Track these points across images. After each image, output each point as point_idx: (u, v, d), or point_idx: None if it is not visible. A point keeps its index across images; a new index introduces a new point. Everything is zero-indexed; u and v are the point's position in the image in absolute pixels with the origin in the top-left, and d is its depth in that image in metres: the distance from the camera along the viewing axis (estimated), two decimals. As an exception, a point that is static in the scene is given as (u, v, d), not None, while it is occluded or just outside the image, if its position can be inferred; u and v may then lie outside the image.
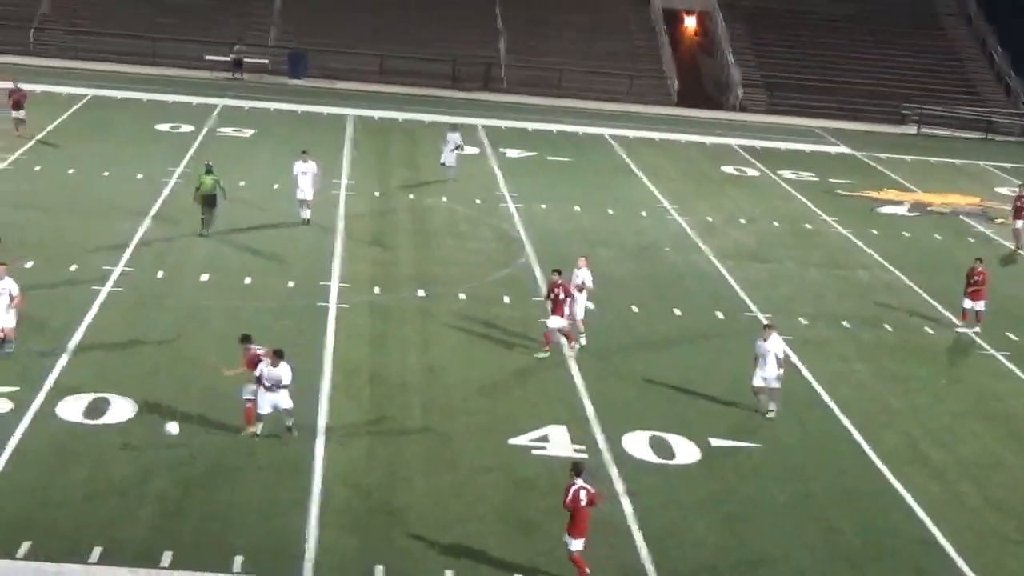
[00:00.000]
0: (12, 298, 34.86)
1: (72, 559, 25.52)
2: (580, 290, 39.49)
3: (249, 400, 31.35)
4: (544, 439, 32.70)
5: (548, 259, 45.62)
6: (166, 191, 53.22)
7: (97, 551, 25.85)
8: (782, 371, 34.76)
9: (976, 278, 43.96)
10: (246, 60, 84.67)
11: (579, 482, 26.01)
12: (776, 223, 57.46)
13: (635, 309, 43.62)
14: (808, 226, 57.48)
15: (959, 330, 44.18)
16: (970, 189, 68.79)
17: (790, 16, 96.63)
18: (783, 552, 28.30)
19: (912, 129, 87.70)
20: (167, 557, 25.86)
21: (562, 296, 38.07)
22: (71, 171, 55.76)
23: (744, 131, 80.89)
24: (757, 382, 34.82)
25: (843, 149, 78.21)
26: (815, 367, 39.45)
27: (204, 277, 42.97)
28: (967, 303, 44.09)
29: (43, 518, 27.00)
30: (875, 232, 57.00)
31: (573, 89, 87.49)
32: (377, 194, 56.38)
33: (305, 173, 49.63)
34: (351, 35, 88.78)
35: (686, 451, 32.74)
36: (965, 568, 28.28)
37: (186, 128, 66.53)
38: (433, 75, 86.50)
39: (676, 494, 30.50)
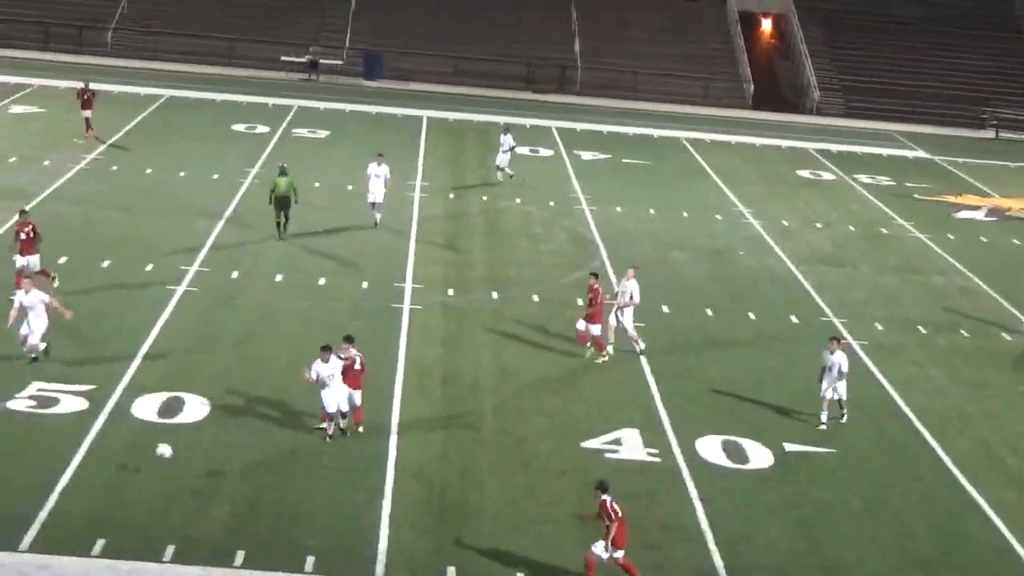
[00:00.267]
0: (46, 307, 34.47)
1: (146, 557, 25.65)
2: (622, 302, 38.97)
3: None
4: (617, 442, 32.60)
5: (622, 262, 45.49)
6: (241, 192, 53.48)
7: (170, 549, 25.98)
8: (843, 384, 34.38)
9: None
10: (321, 61, 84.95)
11: (609, 497, 25.82)
12: (852, 227, 57.04)
13: (709, 312, 43.42)
14: (884, 231, 57.03)
15: (1037, 336, 43.75)
16: (1049, 194, 68.07)
17: (867, 19, 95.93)
18: (857, 557, 28.08)
19: (990, 133, 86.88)
20: (240, 556, 25.95)
21: (597, 301, 37.83)
22: (148, 171, 56.15)
23: (820, 135, 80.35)
24: (828, 393, 34.50)
25: (920, 153, 77.56)
26: (890, 372, 39.14)
27: (278, 278, 43.14)
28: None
29: (117, 516, 27.16)
30: (952, 237, 56.49)
31: (648, 92, 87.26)
32: (451, 196, 56.43)
33: (377, 176, 49.68)
34: (426, 37, 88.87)
35: (759, 456, 32.55)
36: (1042, 577, 28.02)
37: (262, 129, 66.84)
38: (508, 77, 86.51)
39: (749, 499, 30.32)
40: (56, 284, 38.77)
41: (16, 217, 40.90)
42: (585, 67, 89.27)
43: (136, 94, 73.51)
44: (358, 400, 31.76)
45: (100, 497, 27.90)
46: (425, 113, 74.76)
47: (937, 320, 44.73)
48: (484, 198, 56.33)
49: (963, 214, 61.40)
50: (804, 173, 68.46)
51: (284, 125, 68.46)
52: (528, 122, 74.30)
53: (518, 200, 56.30)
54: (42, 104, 67.12)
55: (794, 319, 43.47)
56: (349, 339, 32.13)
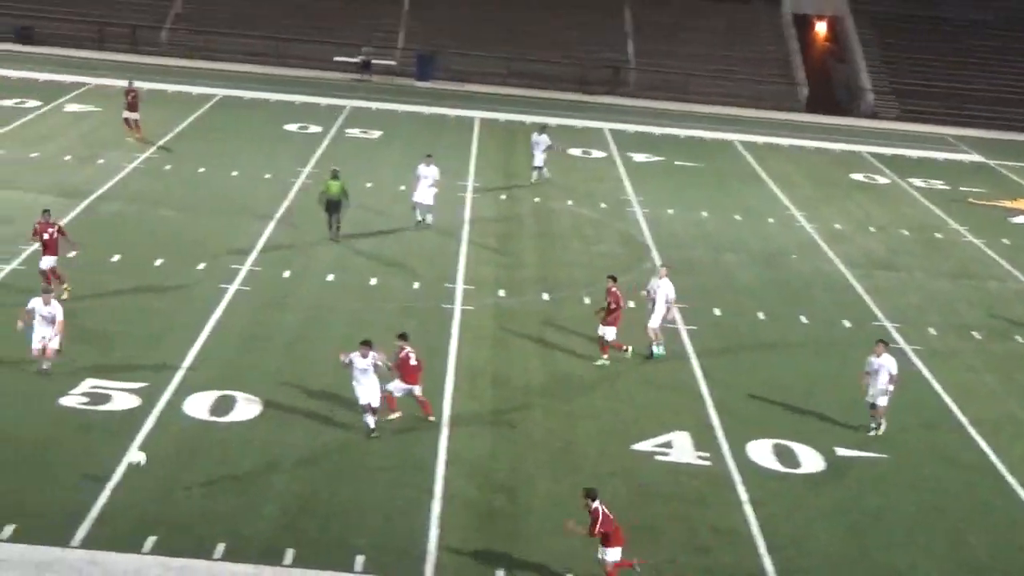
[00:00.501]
0: (55, 323, 33.63)
1: (196, 555, 25.78)
2: (651, 302, 38.85)
3: (390, 393, 32.06)
4: (667, 445, 32.52)
5: (673, 264, 45.31)
6: (294, 191, 53.62)
7: (221, 547, 26.09)
8: (891, 388, 34.10)
9: None
10: (375, 62, 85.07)
11: (598, 505, 25.62)
12: (905, 231, 56.70)
13: (761, 316, 43.24)
14: (938, 235, 56.66)
15: (1093, 343, 43.37)
16: (1106, 199, 67.50)
17: (922, 22, 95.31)
18: (909, 563, 27.91)
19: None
20: (289, 555, 26.04)
21: (613, 306, 37.67)
22: (201, 170, 56.37)
23: (874, 138, 79.90)
24: (878, 399, 34.26)
25: (975, 157, 77.01)
26: (944, 378, 38.89)
27: (329, 277, 43.23)
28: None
29: (169, 513, 27.28)
30: (1007, 242, 56.06)
31: (701, 94, 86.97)
32: (503, 197, 56.41)
33: (425, 177, 49.71)
34: (479, 37, 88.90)
35: (811, 460, 32.40)
36: (1097, 586, 27.77)
37: (314, 129, 67.00)
38: (560, 78, 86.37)
39: (800, 503, 30.20)
40: (65, 296, 38.39)
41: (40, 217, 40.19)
42: (638, 69, 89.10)
43: (189, 93, 73.83)
44: (418, 392, 32.37)
45: (151, 494, 28.02)
46: (477, 114, 74.77)
47: (992, 326, 44.43)
48: (536, 199, 56.29)
49: (1019, 219, 60.93)
50: (858, 176, 68.08)
51: (337, 125, 68.60)
52: (580, 123, 74.25)
53: (570, 202, 56.24)
54: (97, 103, 67.44)
55: (847, 324, 43.23)
56: (403, 336, 32.53)
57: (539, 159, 58.74)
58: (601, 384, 36.21)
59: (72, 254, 40.18)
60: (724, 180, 64.18)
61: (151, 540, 26.12)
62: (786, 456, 32.46)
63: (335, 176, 47.46)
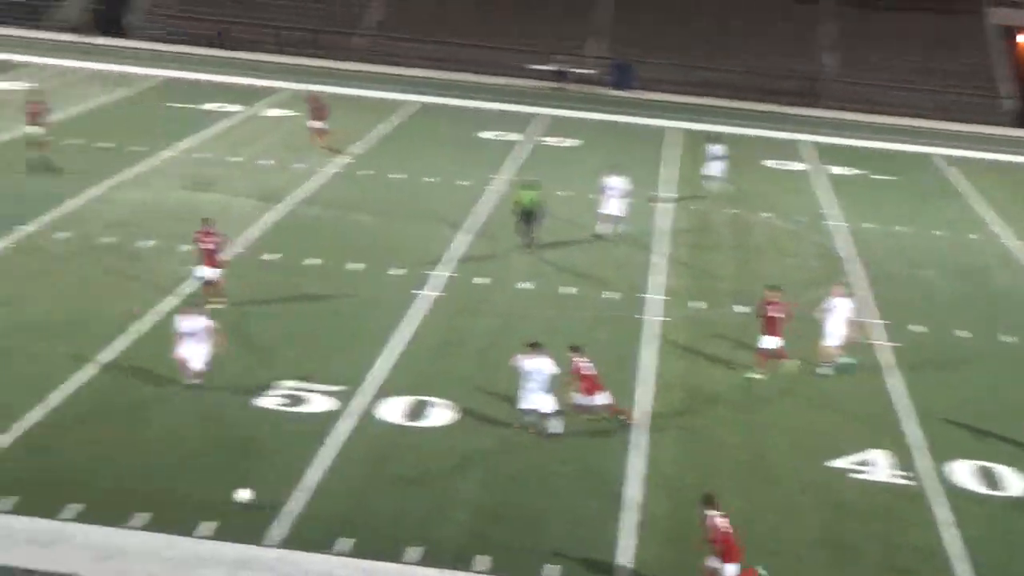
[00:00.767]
0: (203, 339, 33.01)
1: (388, 558, 25.92)
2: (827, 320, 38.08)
3: (579, 406, 32.04)
4: (864, 463, 31.90)
5: (870, 278, 44.65)
6: (489, 199, 53.78)
7: (412, 551, 26.18)
8: None
9: None
10: (572, 70, 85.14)
11: (716, 514, 25.13)
12: (1113, 249, 55.12)
13: (961, 333, 42.27)
14: None
15: None
16: None
17: None
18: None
19: None
20: (480, 561, 26.03)
21: (778, 315, 36.93)
22: (397, 176, 56.83)
23: (1081, 153, 77.84)
24: None
25: None
26: None
27: (523, 285, 43.26)
28: None
29: (362, 516, 27.47)
30: None
31: (898, 106, 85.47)
32: (697, 207, 55.96)
33: (612, 188, 49.53)
34: (676, 47, 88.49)
35: (1015, 483, 31.54)
36: None
37: (510, 137, 67.20)
38: (757, 89, 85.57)
39: (1004, 526, 29.42)
40: (217, 305, 38.05)
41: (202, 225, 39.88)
42: (835, 80, 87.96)
43: (387, 100, 74.52)
44: (603, 400, 32.29)
45: (345, 497, 28.25)
46: (672, 123, 74.31)
47: None
48: (731, 210, 55.77)
49: None
50: (1065, 193, 66.32)
51: (532, 133, 68.73)
52: (776, 135, 73.47)
53: (765, 213, 55.62)
54: (296, 108, 68.36)
55: (1052, 343, 42.14)
56: (576, 348, 32.54)
57: (713, 168, 58.07)
58: (796, 398, 35.69)
59: (211, 271, 39.30)
60: (923, 194, 62.95)
61: (344, 542, 26.31)
62: (989, 478, 31.65)
63: (530, 186, 47.45)
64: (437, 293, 41.81)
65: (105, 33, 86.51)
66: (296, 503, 27.75)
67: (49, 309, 37.89)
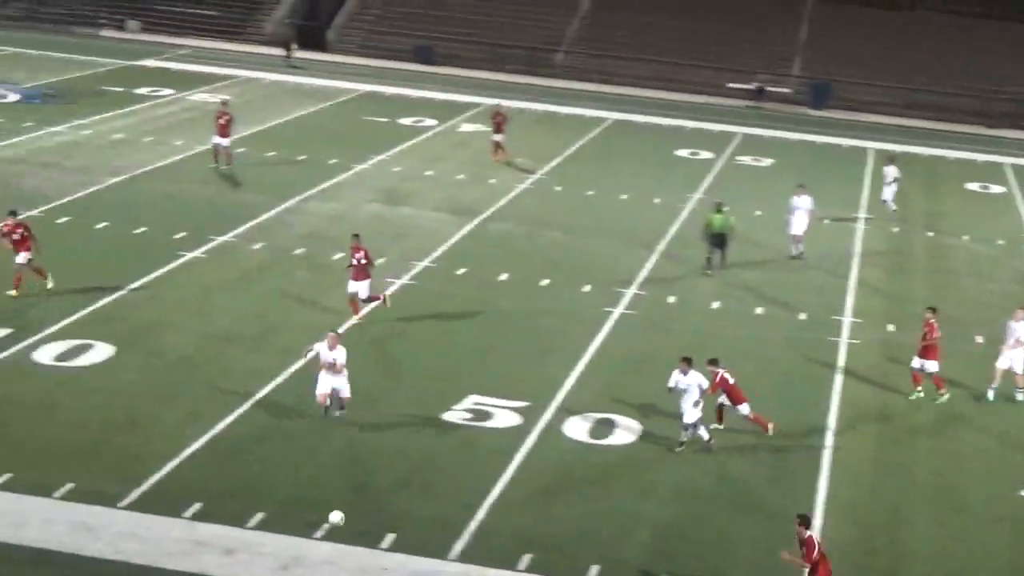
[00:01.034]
0: (341, 370, 31.78)
1: (570, 575, 25.76)
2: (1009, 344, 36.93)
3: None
4: (1063, 495, 31.04)
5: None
6: (682, 217, 53.44)
7: (594, 570, 26.04)
8: None
9: None
10: (769, 89, 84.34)
11: (810, 534, 24.47)
12: None
13: None
14: None
15: None
16: None
17: None
18: None
19: None
20: (662, 582, 25.85)
21: (930, 338, 35.93)
22: (590, 192, 56.75)
23: None
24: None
25: None
26: None
27: (714, 305, 42.88)
28: None
29: (544, 533, 27.42)
30: None
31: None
32: (895, 229, 54.97)
33: (799, 208, 48.87)
34: (876, 66, 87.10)
35: None
36: None
37: (705, 155, 66.75)
38: (960, 110, 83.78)
39: None
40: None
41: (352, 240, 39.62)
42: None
43: (582, 116, 74.57)
44: (746, 411, 32.39)
45: (528, 513, 28.22)
46: (871, 144, 73.12)
47: None
48: (929, 234, 54.68)
49: None
50: None
51: (728, 152, 68.20)
52: (979, 158, 71.88)
53: (965, 237, 54.43)
54: (491, 124, 68.65)
55: None
56: (713, 361, 32.41)
57: (887, 192, 56.79)
58: (992, 426, 34.81)
59: (357, 286, 39.13)
60: None
61: (526, 558, 26.27)
62: None
63: (718, 209, 46.92)
64: (628, 311, 41.62)
65: (305, 47, 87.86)
66: (479, 518, 27.78)
67: (240, 319, 38.55)
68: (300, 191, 52.88)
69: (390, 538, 26.64)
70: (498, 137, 61.01)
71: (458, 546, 26.58)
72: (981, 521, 29.55)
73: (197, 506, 27.33)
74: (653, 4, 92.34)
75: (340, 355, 31.73)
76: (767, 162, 66.65)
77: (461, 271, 44.07)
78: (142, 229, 46.03)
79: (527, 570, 25.96)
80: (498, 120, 61.34)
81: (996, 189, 64.53)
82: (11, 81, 71.20)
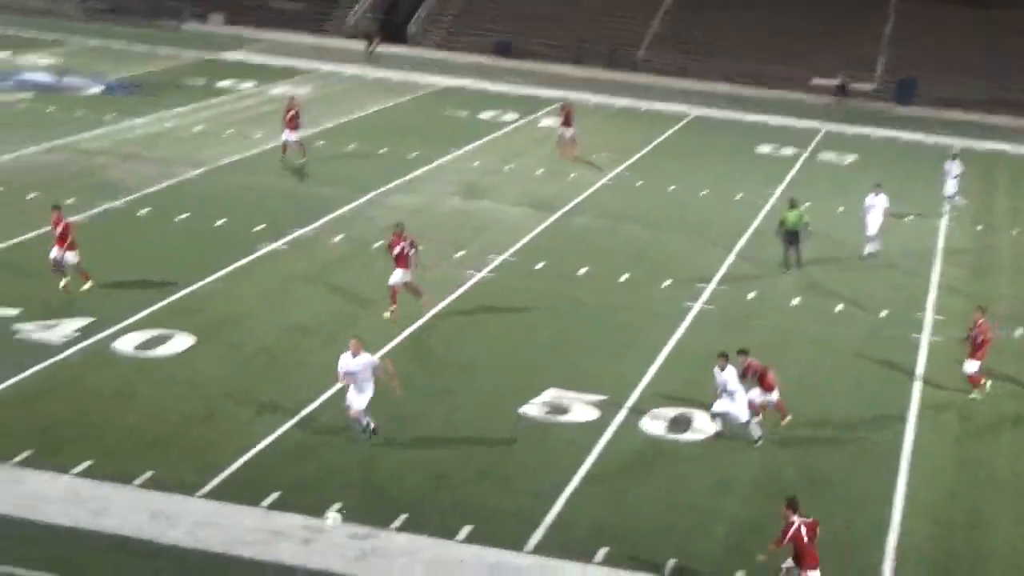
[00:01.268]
0: (374, 372, 29.92)
1: (646, 569, 25.73)
2: None
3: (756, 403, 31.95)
4: None
5: None
6: (763, 213, 53.11)
7: (671, 563, 25.89)
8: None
9: None
10: (853, 85, 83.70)
11: (796, 519, 24.04)
12: None
13: None
14: None
15: None
16: None
17: None
18: None
19: None
20: (739, 576, 25.70)
21: (980, 339, 35.45)
22: (670, 188, 56.59)
23: None
24: None
25: None
26: None
27: (795, 301, 42.59)
28: None
29: (621, 526, 27.32)
30: None
31: None
32: (979, 228, 54.42)
33: (874, 206, 48.42)
34: (962, 64, 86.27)
35: None
36: None
37: (787, 151, 66.36)
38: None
39: None
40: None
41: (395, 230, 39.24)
42: None
43: (663, 112, 74.36)
44: (775, 397, 32.09)
45: (605, 506, 28.13)
46: (957, 141, 72.30)
47: None
48: (1014, 232, 54.09)
49: None
50: None
51: (810, 148, 67.78)
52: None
53: (1050, 235, 53.88)
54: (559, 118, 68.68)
55: None
56: (743, 352, 32.00)
57: (950, 187, 56.03)
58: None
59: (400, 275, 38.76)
60: None
61: (602, 551, 26.18)
62: None
63: (793, 205, 46.51)
64: (708, 306, 41.42)
65: (387, 40, 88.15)
66: (556, 511, 27.72)
67: (319, 311, 38.60)
68: (380, 184, 53.02)
69: (466, 530, 26.61)
70: (568, 131, 60.82)
71: (535, 538, 26.52)
72: (1064, 521, 29.24)
73: (274, 495, 27.41)
74: (736, 1, 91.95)
75: (358, 363, 29.72)
76: (850, 159, 66.17)
77: (540, 265, 44.02)
78: (222, 221, 46.30)
79: (603, 563, 25.85)
80: (566, 114, 61.09)
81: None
82: (95, 73, 71.85)
